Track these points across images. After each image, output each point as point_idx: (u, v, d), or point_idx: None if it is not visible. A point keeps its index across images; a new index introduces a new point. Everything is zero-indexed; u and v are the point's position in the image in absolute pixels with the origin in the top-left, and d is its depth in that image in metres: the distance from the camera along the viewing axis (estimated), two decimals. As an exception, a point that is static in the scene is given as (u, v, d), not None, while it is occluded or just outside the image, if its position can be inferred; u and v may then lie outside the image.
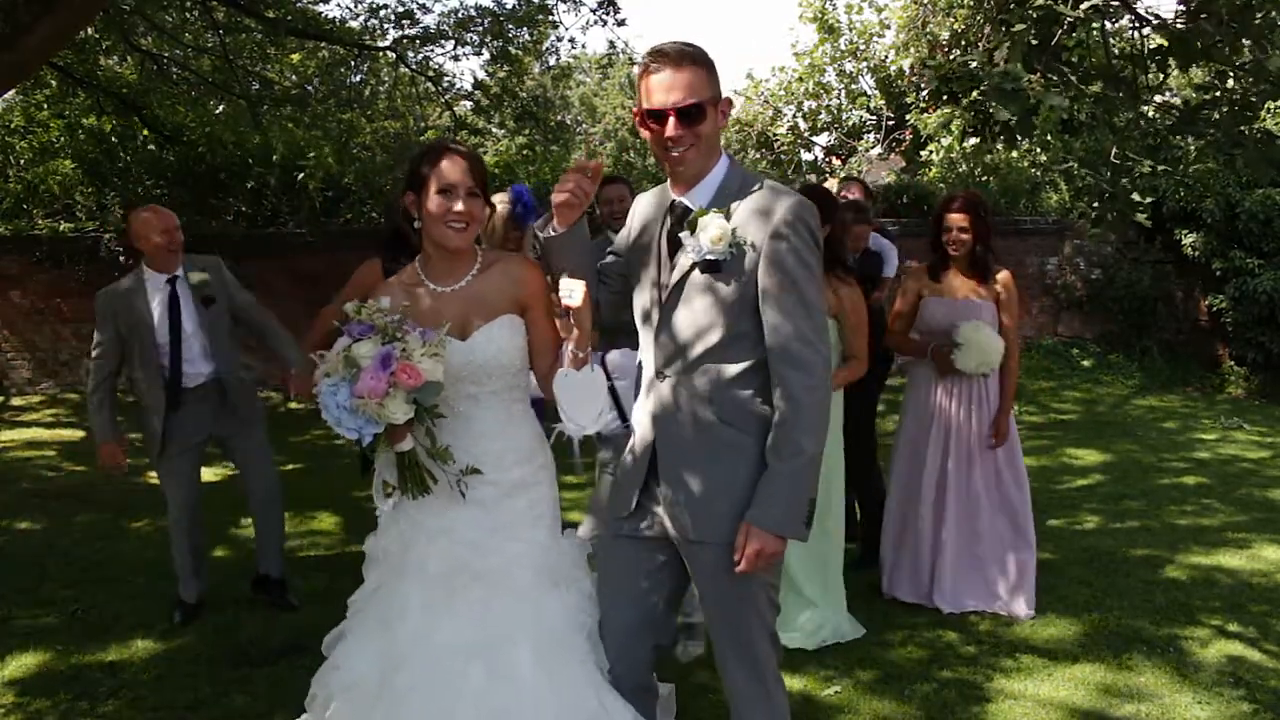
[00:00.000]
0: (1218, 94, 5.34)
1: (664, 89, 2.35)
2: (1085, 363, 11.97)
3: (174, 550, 4.66)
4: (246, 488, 4.76)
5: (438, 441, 2.51)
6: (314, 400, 2.47)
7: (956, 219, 4.51)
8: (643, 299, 2.57)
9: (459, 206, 2.52)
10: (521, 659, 2.49)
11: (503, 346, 2.61)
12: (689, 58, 2.36)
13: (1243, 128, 5.01)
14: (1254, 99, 5.03)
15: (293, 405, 9.46)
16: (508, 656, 2.49)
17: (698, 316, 2.41)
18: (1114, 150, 5.51)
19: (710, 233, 2.34)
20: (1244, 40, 4.69)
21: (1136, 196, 5.11)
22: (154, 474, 7.35)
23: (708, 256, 2.36)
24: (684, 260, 2.41)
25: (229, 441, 4.65)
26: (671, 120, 2.35)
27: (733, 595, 2.47)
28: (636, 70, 2.51)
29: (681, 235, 2.41)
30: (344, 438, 2.41)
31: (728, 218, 2.36)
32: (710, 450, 2.43)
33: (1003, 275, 4.60)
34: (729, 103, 2.46)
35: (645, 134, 2.43)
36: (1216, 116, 5.06)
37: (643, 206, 2.62)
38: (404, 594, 2.59)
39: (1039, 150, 12.30)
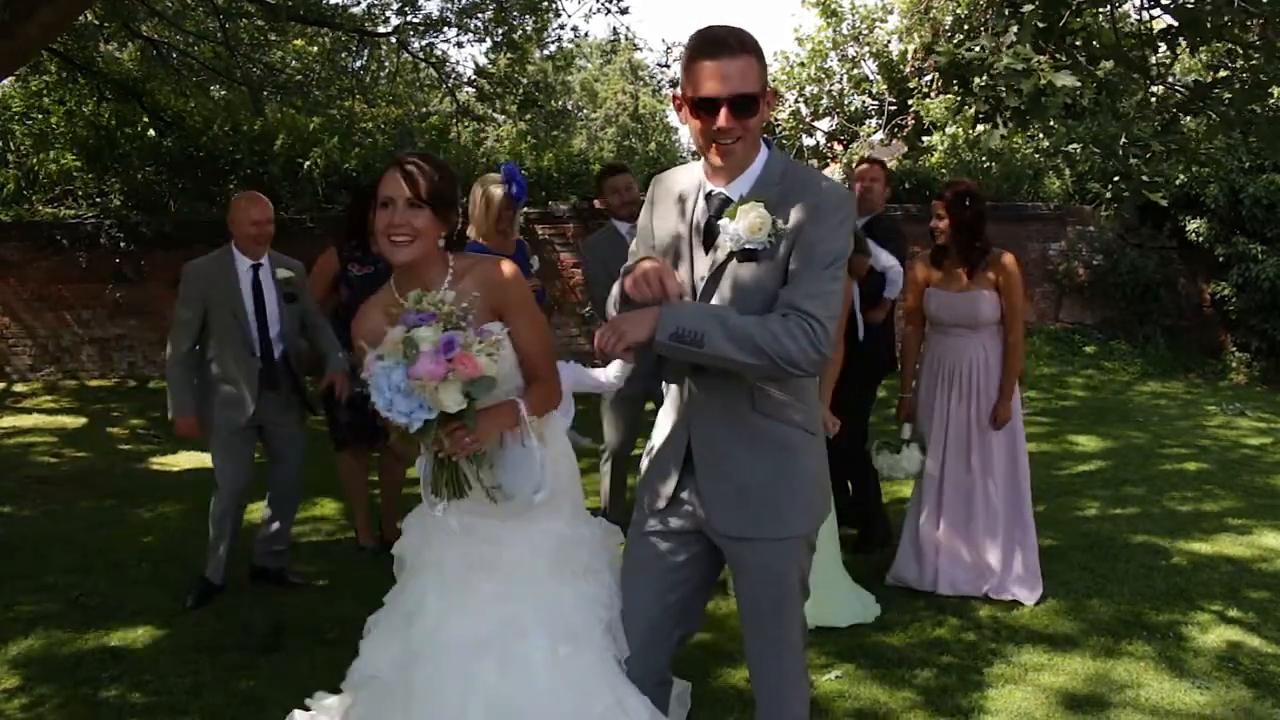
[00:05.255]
0: (1228, 73, 5.30)
1: (718, 77, 2.20)
2: (1088, 349, 11.94)
3: (214, 528, 4.66)
4: (270, 478, 4.81)
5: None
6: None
7: (935, 206, 4.65)
8: None
9: (394, 219, 2.43)
10: (535, 652, 2.45)
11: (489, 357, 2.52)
12: (745, 45, 2.22)
13: (1254, 106, 4.98)
14: (1264, 78, 4.99)
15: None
16: (521, 650, 2.45)
17: (734, 306, 2.32)
18: (1124, 133, 5.49)
19: (750, 221, 2.26)
20: (1255, 20, 4.66)
21: (1146, 177, 5.09)
22: (155, 462, 7.42)
23: (746, 246, 2.28)
24: (721, 250, 2.33)
25: (269, 429, 4.69)
26: (724, 111, 2.21)
27: (772, 591, 2.46)
28: (684, 53, 2.34)
29: (720, 224, 2.32)
30: (394, 423, 2.35)
31: (767, 205, 2.27)
32: (747, 443, 2.38)
33: (1006, 259, 4.58)
34: (775, 94, 2.30)
35: (691, 123, 2.28)
36: (1228, 96, 5.02)
37: (666, 196, 2.48)
38: (420, 588, 2.57)
39: (1041, 136, 12.23)
